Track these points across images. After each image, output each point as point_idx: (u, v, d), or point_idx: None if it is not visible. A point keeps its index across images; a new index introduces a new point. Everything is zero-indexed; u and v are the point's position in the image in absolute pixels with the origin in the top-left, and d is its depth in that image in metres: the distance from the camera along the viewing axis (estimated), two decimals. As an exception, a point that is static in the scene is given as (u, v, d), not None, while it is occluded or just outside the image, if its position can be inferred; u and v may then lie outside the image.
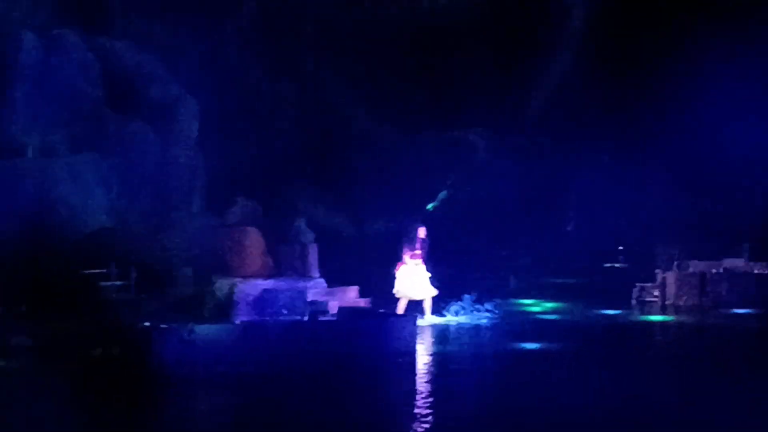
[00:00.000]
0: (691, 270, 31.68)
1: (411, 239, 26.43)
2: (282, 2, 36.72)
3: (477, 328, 25.93)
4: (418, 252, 26.17)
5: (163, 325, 20.41)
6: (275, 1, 36.54)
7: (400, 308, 24.89)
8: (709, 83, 33.44)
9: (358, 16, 37.46)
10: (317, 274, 25.41)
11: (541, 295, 32.66)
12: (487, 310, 27.48)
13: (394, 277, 25.98)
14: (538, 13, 40.52)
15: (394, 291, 25.49)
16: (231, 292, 23.36)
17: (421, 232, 26.60)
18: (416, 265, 26.01)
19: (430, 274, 26.29)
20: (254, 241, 25.38)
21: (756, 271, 31.10)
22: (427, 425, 14.85)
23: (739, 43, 33.29)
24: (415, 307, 25.64)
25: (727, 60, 33.17)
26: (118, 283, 25.35)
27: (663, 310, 30.62)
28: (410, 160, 38.00)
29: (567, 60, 40.55)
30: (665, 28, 36.56)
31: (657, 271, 31.72)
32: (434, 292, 26.12)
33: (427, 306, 25.70)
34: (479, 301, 27.84)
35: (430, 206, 37.08)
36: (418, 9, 38.76)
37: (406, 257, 26.01)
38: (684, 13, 36.02)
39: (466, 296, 27.68)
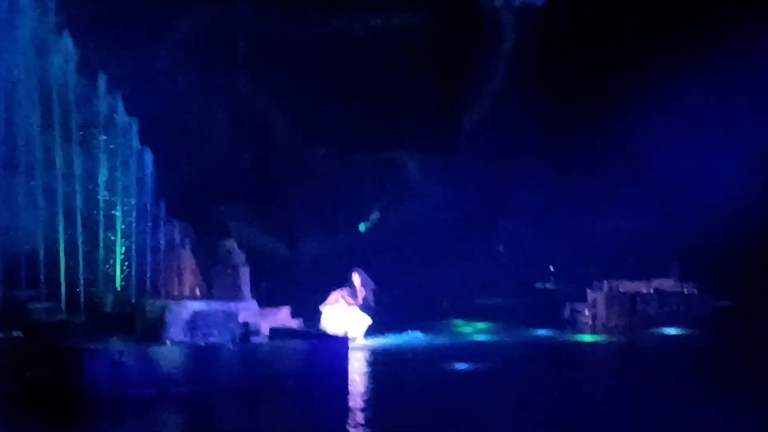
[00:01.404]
0: (621, 290, 32.42)
1: (350, 285, 28.91)
2: (214, 24, 37.01)
3: (408, 349, 27.16)
4: (351, 301, 28.48)
5: (93, 347, 20.59)
6: (207, 22, 36.88)
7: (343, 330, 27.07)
8: (645, 109, 34.76)
9: (292, 37, 37.87)
10: (249, 296, 25.42)
11: (473, 315, 34.02)
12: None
13: (321, 313, 28.17)
14: (472, 37, 40.26)
15: (322, 328, 27.26)
16: (162, 314, 22.75)
17: (356, 280, 29.38)
18: (347, 307, 28.23)
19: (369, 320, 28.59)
20: (186, 263, 25.62)
21: (686, 291, 32.03)
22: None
23: (671, 72, 34.32)
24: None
25: (661, 88, 34.03)
26: (47, 304, 25.50)
27: (593, 330, 32.07)
28: (344, 181, 37.78)
29: (500, 83, 40.09)
30: (599, 54, 36.96)
31: (588, 290, 32.52)
32: (368, 321, 28.47)
33: (360, 329, 27.35)
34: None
35: (362, 227, 37.21)
36: (353, 32, 39.08)
37: (340, 298, 28.31)
38: (615, 37, 36.69)
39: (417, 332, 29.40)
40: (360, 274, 31.27)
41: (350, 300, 30.26)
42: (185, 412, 19.70)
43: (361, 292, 30.83)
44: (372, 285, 31.15)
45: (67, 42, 30.05)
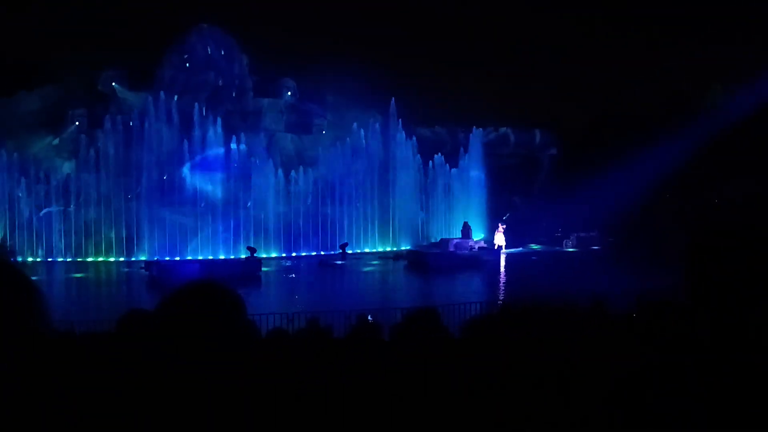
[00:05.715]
0: (577, 237, 60.57)
1: (504, 225, 57.14)
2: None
3: (516, 252, 55.68)
4: (501, 230, 60.67)
5: (433, 251, 51.82)
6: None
7: (497, 244, 56.62)
8: (592, 175, 55.56)
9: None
10: (470, 237, 54.84)
11: (536, 243, 61.72)
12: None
13: (493, 238, 56.85)
14: (536, 164, 70.03)
15: (495, 243, 55.62)
16: (448, 242, 53.80)
17: (501, 227, 56.60)
18: (500, 233, 57.89)
19: (503, 237, 60.44)
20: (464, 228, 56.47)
21: (592, 235, 62.20)
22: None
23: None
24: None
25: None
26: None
27: (573, 247, 60.98)
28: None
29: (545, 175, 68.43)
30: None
31: (571, 235, 60.90)
32: (503, 242, 57.81)
33: (502, 242, 59.86)
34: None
35: (504, 218, 62.38)
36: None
37: (500, 231, 57.83)
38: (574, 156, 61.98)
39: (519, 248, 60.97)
40: (504, 224, 56.84)
41: (501, 233, 55.27)
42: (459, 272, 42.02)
43: (501, 229, 55.85)
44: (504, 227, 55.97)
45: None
